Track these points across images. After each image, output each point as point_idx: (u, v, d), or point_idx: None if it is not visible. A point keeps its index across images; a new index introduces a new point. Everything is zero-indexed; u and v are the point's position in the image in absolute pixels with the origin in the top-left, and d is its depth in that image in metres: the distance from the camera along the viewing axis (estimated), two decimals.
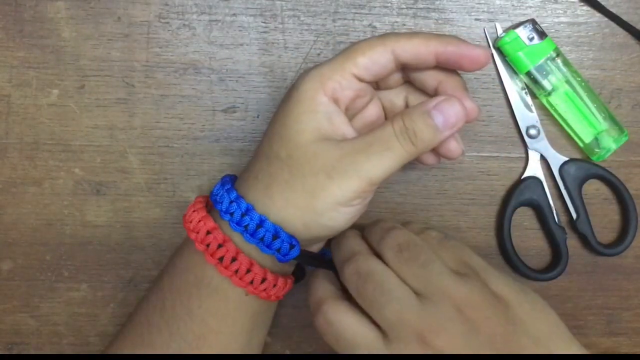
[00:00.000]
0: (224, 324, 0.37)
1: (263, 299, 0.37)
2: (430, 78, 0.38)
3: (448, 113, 0.35)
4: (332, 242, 0.39)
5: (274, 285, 0.37)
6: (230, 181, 0.38)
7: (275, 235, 0.36)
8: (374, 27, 0.45)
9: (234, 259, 0.36)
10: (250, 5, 0.45)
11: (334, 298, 0.35)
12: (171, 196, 0.45)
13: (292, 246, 0.36)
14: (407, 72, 0.38)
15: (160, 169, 0.45)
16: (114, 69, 0.45)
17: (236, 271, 0.36)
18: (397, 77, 0.39)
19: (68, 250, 0.45)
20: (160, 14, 0.45)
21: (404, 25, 0.45)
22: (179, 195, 0.45)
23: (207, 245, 0.36)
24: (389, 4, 0.45)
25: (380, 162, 0.34)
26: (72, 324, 0.45)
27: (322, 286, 0.36)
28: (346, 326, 0.34)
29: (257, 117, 0.45)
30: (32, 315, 0.45)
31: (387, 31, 0.45)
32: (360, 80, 0.36)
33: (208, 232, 0.36)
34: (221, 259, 0.36)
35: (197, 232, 0.37)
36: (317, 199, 0.35)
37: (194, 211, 0.37)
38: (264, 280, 0.36)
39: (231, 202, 0.36)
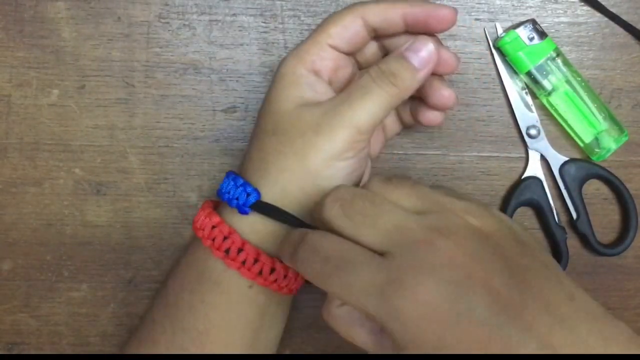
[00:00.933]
0: (227, 318, 0.37)
1: (274, 290, 0.37)
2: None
3: (420, 50, 0.36)
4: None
5: (285, 276, 0.36)
6: (233, 173, 0.38)
7: (237, 185, 0.36)
8: None
9: (240, 250, 0.36)
10: (251, 5, 0.45)
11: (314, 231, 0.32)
12: (171, 196, 0.45)
13: (248, 194, 0.36)
14: (381, 41, 0.39)
15: (161, 169, 0.45)
16: (114, 69, 0.45)
17: (243, 262, 0.35)
18: (373, 49, 0.39)
19: (68, 250, 0.45)
20: (160, 14, 0.45)
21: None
22: (179, 195, 0.45)
23: (213, 240, 0.36)
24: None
25: (362, 107, 0.35)
26: (72, 324, 0.45)
27: (299, 230, 0.33)
28: (336, 245, 0.29)
29: None
30: (32, 315, 0.45)
31: None
32: (337, 49, 0.37)
33: (214, 227, 0.36)
34: (227, 251, 0.36)
35: (203, 229, 0.37)
36: (308, 158, 0.35)
37: (201, 211, 0.38)
38: (273, 270, 0.36)
39: (236, 187, 0.36)
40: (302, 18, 0.45)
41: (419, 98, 0.40)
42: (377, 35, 0.38)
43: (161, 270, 0.45)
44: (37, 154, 0.45)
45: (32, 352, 0.45)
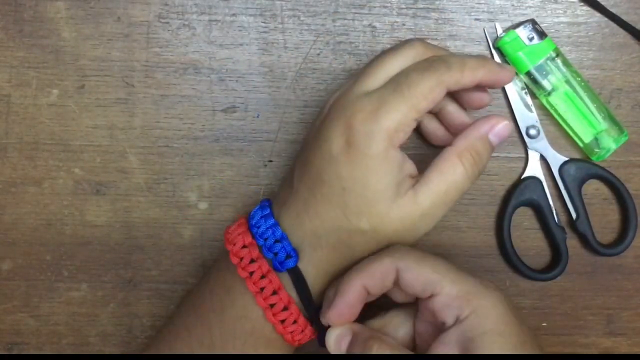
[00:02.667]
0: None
1: (290, 342, 0.38)
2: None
3: (502, 134, 0.37)
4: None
5: (302, 331, 0.38)
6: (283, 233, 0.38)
7: (278, 241, 0.36)
8: (374, 27, 0.45)
9: (274, 292, 0.37)
10: (250, 5, 0.45)
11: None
12: (171, 196, 0.45)
13: (288, 256, 0.36)
14: None
15: (160, 169, 0.45)
16: (114, 69, 0.45)
17: (294, 321, 0.37)
18: None
19: (68, 250, 0.45)
20: (160, 14, 0.45)
21: (404, 25, 0.45)
22: (179, 195, 0.45)
23: (261, 290, 0.37)
24: (389, 4, 0.45)
25: (454, 204, 0.37)
26: (72, 323, 0.45)
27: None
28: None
29: (257, 117, 0.45)
30: (32, 315, 0.45)
31: (387, 31, 0.45)
32: (420, 119, 0.37)
33: (274, 292, 0.37)
34: (283, 319, 0.37)
35: (251, 274, 0.37)
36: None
37: (239, 236, 0.38)
38: (295, 322, 0.37)
39: (288, 256, 0.37)
40: (302, 18, 0.45)
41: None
42: None
43: (161, 270, 0.45)
44: (36, 154, 0.45)
45: (32, 352, 0.45)
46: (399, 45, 0.39)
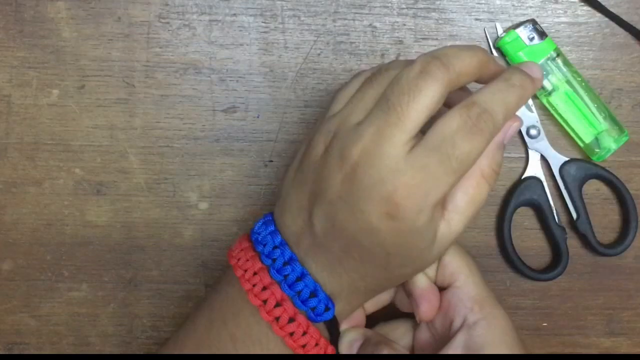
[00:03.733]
0: None
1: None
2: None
3: (514, 133, 0.36)
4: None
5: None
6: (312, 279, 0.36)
7: (313, 293, 0.34)
8: (374, 27, 0.45)
9: (291, 319, 0.35)
10: (251, 5, 0.45)
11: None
12: (171, 196, 0.45)
13: (327, 308, 0.35)
14: None
15: (161, 169, 0.45)
16: (114, 69, 0.45)
17: (317, 344, 0.35)
18: None
19: (68, 250, 0.45)
20: (160, 14, 0.45)
21: (404, 25, 0.45)
22: (179, 195, 0.45)
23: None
24: (389, 4, 0.45)
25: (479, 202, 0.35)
26: (72, 324, 0.45)
27: None
28: None
29: (258, 117, 0.45)
30: (32, 315, 0.45)
31: (387, 31, 0.45)
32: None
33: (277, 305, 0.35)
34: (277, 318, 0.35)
35: (264, 302, 0.35)
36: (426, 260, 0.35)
37: (254, 274, 0.35)
38: (317, 344, 0.36)
39: (327, 308, 0.35)
40: (302, 18, 0.45)
41: None
42: None
43: (161, 270, 0.45)
44: (37, 154, 0.45)
45: (32, 352, 0.45)
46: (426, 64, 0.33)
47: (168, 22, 0.45)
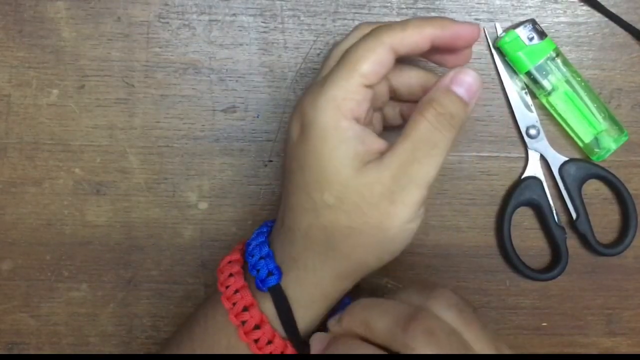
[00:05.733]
0: None
1: None
2: (413, 77, 0.37)
3: (467, 82, 0.34)
4: (362, 305, 0.34)
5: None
6: (267, 227, 0.38)
7: (263, 257, 0.36)
8: None
9: (269, 342, 0.35)
10: (250, 5, 0.45)
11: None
12: (171, 196, 0.45)
13: (270, 273, 0.35)
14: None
15: (160, 169, 0.45)
16: (114, 69, 0.45)
17: (256, 340, 0.35)
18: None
19: (68, 250, 0.45)
20: (160, 14, 0.45)
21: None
22: (179, 195, 0.45)
23: (243, 324, 0.35)
24: (389, 4, 0.45)
25: (432, 162, 0.33)
26: (72, 324, 0.45)
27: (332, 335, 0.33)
28: None
29: (257, 117, 0.45)
30: (32, 315, 0.45)
31: None
32: (370, 87, 0.34)
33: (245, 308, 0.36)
34: (257, 340, 0.35)
35: (234, 313, 0.36)
36: (387, 229, 0.33)
37: (229, 276, 0.37)
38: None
39: (270, 273, 0.35)
40: (302, 18, 0.45)
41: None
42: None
43: (161, 270, 0.45)
44: (36, 154, 0.45)
45: (32, 352, 0.45)
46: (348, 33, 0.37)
47: (168, 22, 0.45)
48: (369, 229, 0.33)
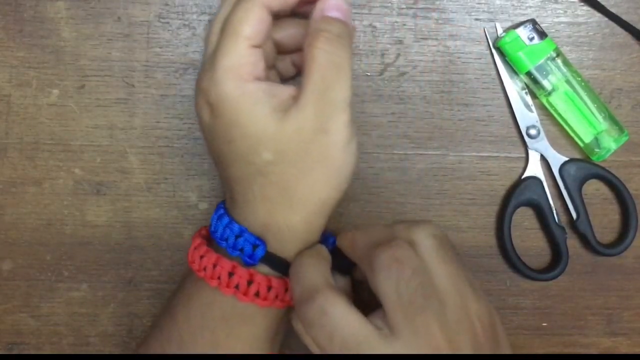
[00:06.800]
0: (256, 347, 0.36)
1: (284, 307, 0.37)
2: (293, 27, 0.38)
3: (334, 4, 0.35)
4: (350, 235, 0.37)
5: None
6: (224, 208, 0.37)
7: (239, 236, 0.35)
8: (374, 27, 0.45)
9: (269, 287, 0.35)
10: None
11: (330, 287, 0.33)
12: (171, 196, 0.45)
13: (255, 246, 0.35)
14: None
15: (160, 169, 0.45)
16: (114, 69, 0.45)
17: (257, 294, 0.35)
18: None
19: (68, 250, 0.45)
20: (160, 14, 0.45)
21: (404, 25, 0.45)
22: (179, 195, 0.45)
23: (237, 287, 0.35)
24: (389, 4, 0.45)
25: (343, 82, 0.34)
26: (72, 324, 0.45)
27: (314, 271, 0.34)
28: (347, 322, 0.31)
29: None
30: (32, 315, 0.45)
31: (387, 31, 0.45)
32: (258, 47, 0.35)
33: (231, 274, 0.35)
34: (237, 286, 0.35)
35: (205, 269, 0.36)
36: (332, 158, 0.34)
37: (194, 249, 0.37)
38: (287, 290, 0.36)
39: (255, 246, 0.35)
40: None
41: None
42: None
43: (161, 270, 0.45)
44: (37, 154, 0.45)
45: (32, 352, 0.45)
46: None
47: (168, 22, 0.45)
48: (315, 166, 0.34)
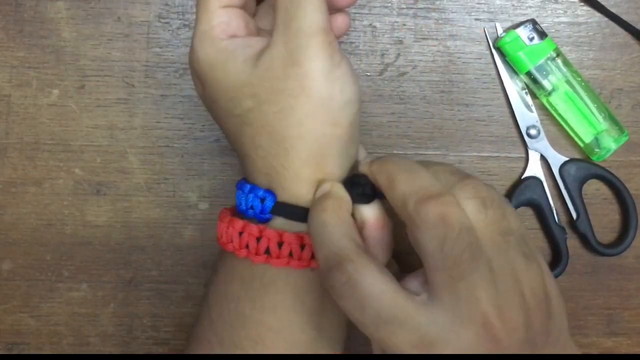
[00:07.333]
0: (285, 318, 0.33)
1: None
2: None
3: None
4: (385, 166, 0.32)
5: None
6: (240, 181, 0.36)
7: (249, 194, 0.33)
8: (374, 27, 0.45)
9: (281, 244, 0.32)
10: None
11: (357, 252, 0.29)
12: (171, 196, 0.45)
13: (263, 199, 0.33)
14: None
15: (160, 169, 0.45)
16: (114, 69, 0.45)
17: (290, 253, 0.32)
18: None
19: (68, 250, 0.45)
20: (160, 14, 0.45)
21: (404, 25, 0.45)
22: (179, 195, 0.45)
23: (247, 247, 0.33)
24: (389, 4, 0.45)
25: (308, 6, 0.31)
26: (72, 324, 0.45)
27: (338, 231, 0.30)
28: (379, 292, 0.28)
29: None
30: (32, 315, 0.45)
31: (387, 31, 0.45)
32: (234, 6, 0.34)
33: (241, 233, 0.33)
34: (267, 251, 0.32)
35: (232, 241, 0.33)
36: (313, 89, 0.31)
37: (220, 222, 0.35)
38: (304, 246, 0.32)
39: (263, 199, 0.33)
40: None
41: None
42: None
43: (161, 270, 0.45)
44: (37, 154, 0.45)
45: (32, 352, 0.45)
46: None
47: (168, 22, 0.45)
48: (295, 102, 0.32)
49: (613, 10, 0.45)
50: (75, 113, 0.45)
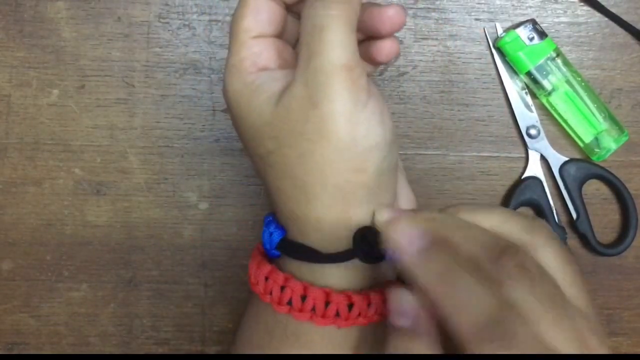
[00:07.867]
0: None
1: (363, 324, 0.32)
2: None
3: None
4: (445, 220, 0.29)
5: (369, 305, 0.31)
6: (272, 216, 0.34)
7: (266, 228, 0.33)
8: None
9: (304, 297, 0.31)
10: None
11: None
12: (171, 196, 0.45)
13: (271, 234, 0.32)
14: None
15: (160, 169, 0.45)
16: (114, 69, 0.45)
17: (313, 309, 0.30)
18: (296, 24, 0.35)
19: (68, 250, 0.45)
20: (160, 14, 0.45)
21: (404, 25, 0.45)
22: (179, 195, 0.45)
23: (271, 294, 0.31)
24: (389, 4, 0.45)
25: (328, 44, 0.29)
26: (72, 324, 0.45)
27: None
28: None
29: None
30: (32, 315, 0.45)
31: None
32: (265, 36, 0.32)
33: (267, 279, 0.32)
34: (290, 302, 0.31)
35: (257, 283, 0.32)
36: (333, 133, 0.29)
37: (252, 260, 0.33)
38: (351, 305, 0.31)
39: (271, 234, 0.32)
40: None
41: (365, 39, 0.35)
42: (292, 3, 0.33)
43: (161, 270, 0.45)
44: (37, 154, 0.45)
45: (32, 352, 0.45)
46: None
47: (168, 22, 0.45)
48: (316, 147, 0.29)
49: (613, 10, 0.45)
50: (75, 113, 0.45)
